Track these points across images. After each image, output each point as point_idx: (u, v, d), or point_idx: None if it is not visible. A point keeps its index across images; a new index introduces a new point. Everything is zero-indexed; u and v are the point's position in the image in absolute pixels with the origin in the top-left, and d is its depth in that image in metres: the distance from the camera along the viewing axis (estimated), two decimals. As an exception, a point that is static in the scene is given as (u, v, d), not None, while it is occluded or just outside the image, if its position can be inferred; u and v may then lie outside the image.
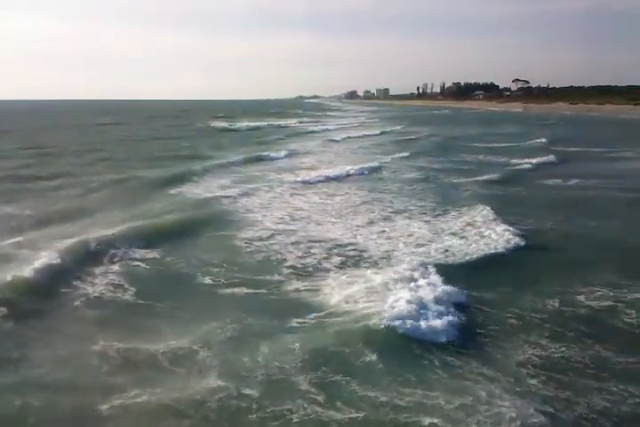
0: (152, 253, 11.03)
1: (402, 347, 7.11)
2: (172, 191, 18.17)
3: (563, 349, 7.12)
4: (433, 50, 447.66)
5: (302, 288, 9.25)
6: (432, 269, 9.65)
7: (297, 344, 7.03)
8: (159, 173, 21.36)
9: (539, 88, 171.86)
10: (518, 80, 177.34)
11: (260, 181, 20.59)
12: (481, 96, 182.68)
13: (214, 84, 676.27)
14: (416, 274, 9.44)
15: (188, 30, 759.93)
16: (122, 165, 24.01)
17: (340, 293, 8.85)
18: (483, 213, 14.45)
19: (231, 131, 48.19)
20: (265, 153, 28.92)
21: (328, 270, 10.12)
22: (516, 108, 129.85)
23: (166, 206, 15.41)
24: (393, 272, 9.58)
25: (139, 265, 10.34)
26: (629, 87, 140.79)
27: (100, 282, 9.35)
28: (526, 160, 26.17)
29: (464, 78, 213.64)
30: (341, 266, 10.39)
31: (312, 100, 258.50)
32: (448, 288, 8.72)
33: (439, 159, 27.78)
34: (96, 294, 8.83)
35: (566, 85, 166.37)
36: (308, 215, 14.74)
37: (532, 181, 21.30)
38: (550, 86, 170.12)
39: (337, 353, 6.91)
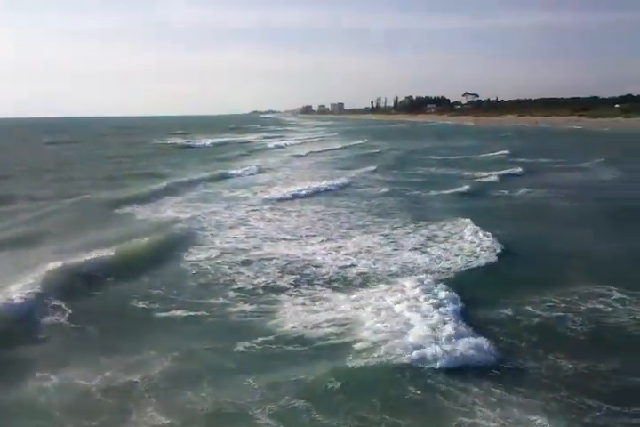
0: (96, 281, 10.08)
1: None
2: (128, 213, 16.90)
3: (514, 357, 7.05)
4: (386, 64, 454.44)
5: (250, 311, 8.64)
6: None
7: (248, 375, 6.48)
8: (117, 195, 20.01)
9: (488, 101, 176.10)
10: (468, 94, 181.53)
11: (222, 200, 19.51)
12: (433, 110, 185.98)
13: (164, 99, 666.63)
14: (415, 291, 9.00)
15: (135, 45, 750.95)
16: (78, 186, 22.53)
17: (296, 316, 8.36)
18: (466, 226, 13.99)
19: (191, 148, 46.90)
20: (228, 171, 27.84)
21: (282, 291, 9.56)
22: (468, 121, 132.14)
23: (121, 231, 14.07)
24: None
25: (81, 293, 9.49)
26: (574, 99, 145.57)
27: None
28: (493, 172, 25.91)
29: (416, 92, 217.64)
30: (303, 287, 9.76)
31: (267, 116, 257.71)
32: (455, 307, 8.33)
33: (406, 173, 27.39)
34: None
35: (514, 98, 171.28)
36: (273, 236, 13.63)
37: (501, 192, 21.18)
38: (499, 99, 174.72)
39: (296, 382, 6.31)
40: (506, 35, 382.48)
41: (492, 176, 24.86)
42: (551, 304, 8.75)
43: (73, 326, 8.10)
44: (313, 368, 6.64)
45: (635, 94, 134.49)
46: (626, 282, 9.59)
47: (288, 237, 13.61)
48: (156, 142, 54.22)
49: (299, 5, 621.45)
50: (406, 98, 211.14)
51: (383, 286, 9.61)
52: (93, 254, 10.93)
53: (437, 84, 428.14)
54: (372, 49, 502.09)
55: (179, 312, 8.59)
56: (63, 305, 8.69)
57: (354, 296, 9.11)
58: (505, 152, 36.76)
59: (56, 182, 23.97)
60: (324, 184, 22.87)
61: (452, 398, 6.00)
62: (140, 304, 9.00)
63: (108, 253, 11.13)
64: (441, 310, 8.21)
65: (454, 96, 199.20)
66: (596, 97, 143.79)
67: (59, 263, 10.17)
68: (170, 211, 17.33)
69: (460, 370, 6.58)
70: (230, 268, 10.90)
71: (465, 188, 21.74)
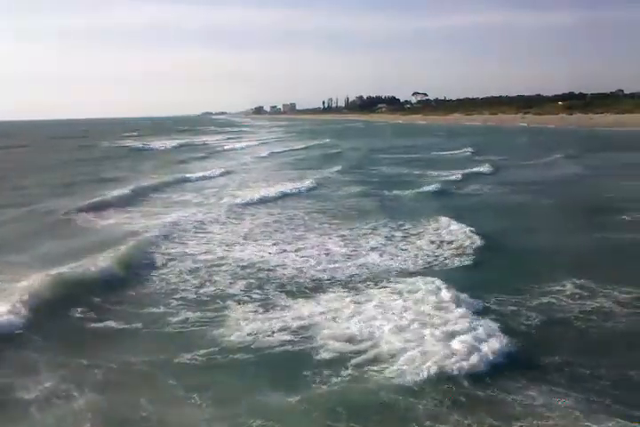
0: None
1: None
2: (86, 223, 15.49)
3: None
4: (337, 64, 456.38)
5: (194, 320, 8.06)
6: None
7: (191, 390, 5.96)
8: (74, 203, 18.30)
9: (437, 100, 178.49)
10: (417, 93, 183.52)
11: (186, 205, 18.27)
12: (384, 109, 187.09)
13: (111, 101, 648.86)
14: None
15: (80, 45, 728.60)
16: (30, 194, 20.91)
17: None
18: (448, 223, 13.69)
19: (147, 151, 45.12)
20: (190, 174, 26.55)
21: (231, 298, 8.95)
22: (419, 120, 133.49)
23: (75, 243, 12.89)
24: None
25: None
26: (519, 97, 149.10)
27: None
28: (461, 171, 25.59)
29: (367, 92, 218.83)
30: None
31: (219, 117, 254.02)
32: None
33: (373, 173, 26.78)
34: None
35: (462, 97, 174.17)
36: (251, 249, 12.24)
37: (472, 189, 21.01)
38: (447, 98, 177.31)
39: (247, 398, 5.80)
40: (453, 34, 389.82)
41: (459, 174, 24.54)
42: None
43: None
44: (265, 380, 6.15)
45: (576, 92, 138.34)
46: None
47: (269, 245, 12.59)
48: (110, 146, 52.03)
49: (247, 4, 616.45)
50: (357, 98, 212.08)
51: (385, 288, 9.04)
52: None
53: (387, 84, 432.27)
54: (322, 49, 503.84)
55: (115, 323, 7.98)
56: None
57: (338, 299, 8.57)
58: (468, 150, 36.64)
59: (5, 190, 22.25)
60: (291, 186, 21.95)
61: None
62: (76, 314, 8.33)
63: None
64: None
65: (404, 95, 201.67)
66: (539, 95, 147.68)
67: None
68: (131, 220, 15.93)
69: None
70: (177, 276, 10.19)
71: (435, 186, 21.24)
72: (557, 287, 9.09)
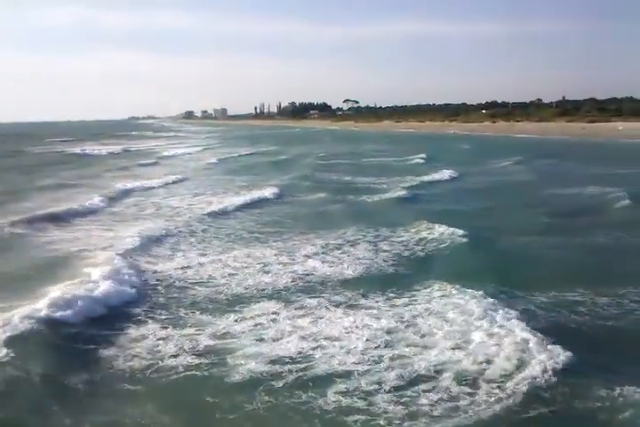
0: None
1: None
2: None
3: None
4: (268, 70, 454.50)
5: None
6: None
7: None
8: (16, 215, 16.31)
9: (367, 108, 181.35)
10: (349, 100, 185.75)
11: (146, 218, 16.67)
12: (316, 115, 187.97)
13: (30, 104, 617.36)
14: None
15: None
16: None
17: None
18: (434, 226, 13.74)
19: (88, 156, 42.66)
20: (143, 182, 24.91)
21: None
22: (352, 126, 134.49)
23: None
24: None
25: None
26: (446, 105, 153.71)
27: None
28: (425, 177, 25.64)
29: (299, 99, 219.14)
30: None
31: (147, 122, 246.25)
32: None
33: (330, 180, 26.14)
34: None
35: (391, 105, 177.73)
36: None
37: (439, 195, 21.14)
38: (378, 106, 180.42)
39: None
40: (384, 43, 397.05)
41: (418, 181, 24.57)
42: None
43: None
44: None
45: (499, 101, 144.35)
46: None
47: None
48: (43, 151, 48.87)
49: (174, 7, 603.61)
50: (289, 104, 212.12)
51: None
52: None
53: (319, 91, 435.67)
54: (254, 54, 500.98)
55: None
56: None
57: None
58: (421, 156, 36.81)
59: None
60: (258, 194, 21.05)
61: None
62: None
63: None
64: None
65: (336, 102, 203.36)
66: (465, 103, 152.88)
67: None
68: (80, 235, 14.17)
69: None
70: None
71: (402, 193, 21.02)
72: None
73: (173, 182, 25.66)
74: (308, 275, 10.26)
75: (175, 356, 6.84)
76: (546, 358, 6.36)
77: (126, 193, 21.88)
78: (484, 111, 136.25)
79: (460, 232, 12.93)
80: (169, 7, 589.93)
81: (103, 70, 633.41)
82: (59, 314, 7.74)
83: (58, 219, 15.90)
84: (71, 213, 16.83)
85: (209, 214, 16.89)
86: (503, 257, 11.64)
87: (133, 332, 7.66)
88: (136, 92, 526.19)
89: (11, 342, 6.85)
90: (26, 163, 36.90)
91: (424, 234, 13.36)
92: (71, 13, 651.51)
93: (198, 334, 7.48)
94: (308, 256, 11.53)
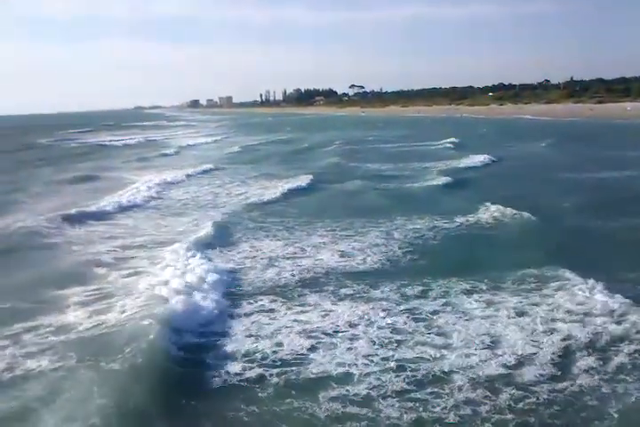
0: None
1: None
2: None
3: None
4: (274, 57, 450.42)
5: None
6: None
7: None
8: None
9: (373, 93, 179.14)
10: (354, 86, 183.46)
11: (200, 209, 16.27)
12: (322, 102, 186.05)
13: (38, 96, 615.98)
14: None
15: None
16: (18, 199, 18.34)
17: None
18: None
19: (111, 147, 41.93)
20: (170, 175, 23.58)
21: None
22: (358, 112, 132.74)
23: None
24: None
25: None
26: (452, 89, 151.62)
27: None
28: (461, 162, 24.77)
29: (304, 85, 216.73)
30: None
31: (154, 111, 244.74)
32: None
33: (365, 166, 25.27)
34: None
35: (397, 89, 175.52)
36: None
37: (485, 180, 20.17)
38: (383, 90, 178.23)
39: None
40: (387, 27, 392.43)
41: (459, 166, 23.70)
42: None
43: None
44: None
45: (506, 83, 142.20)
46: None
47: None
48: (58, 143, 48.20)
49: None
50: (295, 90, 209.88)
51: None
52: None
53: (324, 77, 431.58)
54: (257, 41, 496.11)
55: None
56: None
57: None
58: (449, 140, 35.80)
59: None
60: (296, 183, 20.26)
61: None
62: None
63: None
64: None
65: (341, 88, 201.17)
66: (471, 86, 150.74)
67: None
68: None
69: None
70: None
71: (445, 179, 20.14)
72: None
73: (204, 172, 24.92)
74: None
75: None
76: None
77: (166, 185, 21.03)
78: (490, 94, 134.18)
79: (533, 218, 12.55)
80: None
81: (107, 59, 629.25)
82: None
83: (108, 213, 15.43)
84: (122, 206, 16.32)
85: (254, 204, 16.44)
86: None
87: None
88: (141, 82, 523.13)
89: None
90: (57, 154, 36.42)
91: (489, 219, 12.97)
92: (75, 2, 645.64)
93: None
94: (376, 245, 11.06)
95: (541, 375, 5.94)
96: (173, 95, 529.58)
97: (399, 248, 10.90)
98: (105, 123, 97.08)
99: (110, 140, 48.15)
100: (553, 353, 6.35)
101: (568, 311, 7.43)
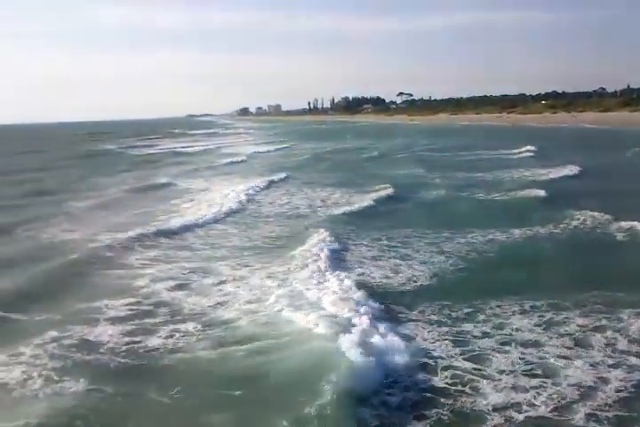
0: None
1: None
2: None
3: None
4: (322, 65, 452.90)
5: None
6: None
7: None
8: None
9: (422, 100, 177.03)
10: (402, 93, 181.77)
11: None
12: (369, 110, 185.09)
13: (96, 104, 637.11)
14: None
15: (63, 47, 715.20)
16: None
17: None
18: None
19: (183, 154, 42.32)
20: (249, 184, 22.74)
21: None
22: (407, 120, 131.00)
23: None
24: None
25: None
26: (503, 97, 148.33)
27: None
28: (546, 173, 23.47)
29: (352, 93, 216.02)
30: None
31: (205, 119, 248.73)
32: None
33: (447, 175, 24.28)
34: None
35: (446, 97, 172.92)
36: None
37: (579, 191, 18.88)
38: (432, 98, 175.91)
39: None
40: (438, 35, 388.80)
41: (546, 178, 22.39)
42: None
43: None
44: None
45: (559, 91, 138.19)
46: None
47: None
48: (125, 150, 48.99)
49: (229, 6, 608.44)
50: (342, 98, 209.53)
51: None
52: None
53: (372, 85, 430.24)
54: (308, 50, 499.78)
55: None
56: None
57: None
58: (528, 148, 34.43)
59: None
60: (382, 193, 19.45)
61: None
62: None
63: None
64: None
65: (389, 96, 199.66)
66: (523, 94, 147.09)
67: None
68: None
69: None
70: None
71: (538, 191, 18.87)
72: None
73: (281, 181, 24.44)
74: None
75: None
76: None
77: (251, 193, 20.51)
78: (543, 102, 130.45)
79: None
80: (223, 6, 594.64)
81: (159, 69, 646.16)
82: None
83: (207, 222, 14.96)
84: (217, 217, 15.74)
85: (349, 214, 15.91)
86: None
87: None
88: (192, 91, 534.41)
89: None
90: (124, 162, 36.77)
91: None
92: (128, 13, 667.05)
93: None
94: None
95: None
96: (223, 103, 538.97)
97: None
98: (168, 130, 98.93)
99: (180, 148, 48.64)
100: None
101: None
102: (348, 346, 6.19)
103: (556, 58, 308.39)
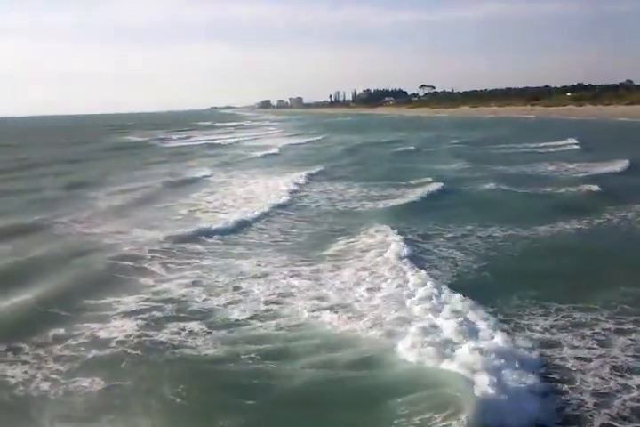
0: None
1: None
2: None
3: None
4: (343, 58, 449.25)
5: None
6: None
7: None
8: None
9: (444, 92, 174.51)
10: (425, 86, 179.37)
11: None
12: (391, 102, 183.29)
13: (120, 97, 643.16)
14: None
15: (85, 42, 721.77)
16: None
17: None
18: None
19: (217, 146, 41.85)
20: (286, 178, 22.12)
21: None
22: (429, 112, 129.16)
23: None
24: None
25: None
26: (526, 89, 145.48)
27: None
28: (595, 167, 22.46)
29: (374, 85, 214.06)
30: None
31: (227, 111, 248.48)
32: None
33: (488, 168, 23.50)
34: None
35: (469, 89, 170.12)
36: None
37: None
38: (455, 90, 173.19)
39: None
40: (461, 27, 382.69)
41: (597, 172, 21.44)
42: None
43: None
44: None
45: (585, 83, 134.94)
46: None
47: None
48: (155, 142, 48.82)
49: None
50: (364, 91, 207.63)
51: None
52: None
53: (394, 77, 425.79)
54: (329, 43, 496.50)
55: None
56: None
57: None
58: (572, 141, 33.31)
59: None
60: (429, 188, 18.71)
61: None
62: None
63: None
64: None
65: (411, 88, 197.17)
66: (547, 86, 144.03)
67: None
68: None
69: None
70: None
71: (592, 186, 17.97)
72: None
73: (320, 174, 23.74)
74: None
75: None
76: None
77: (295, 187, 19.80)
78: (568, 94, 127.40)
79: None
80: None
81: (182, 63, 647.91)
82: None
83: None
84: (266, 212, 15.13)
85: (400, 208, 15.45)
86: None
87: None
88: (214, 83, 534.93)
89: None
90: (158, 154, 36.46)
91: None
92: (154, 8, 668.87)
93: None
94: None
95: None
96: (244, 96, 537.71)
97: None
98: (194, 122, 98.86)
99: (211, 140, 48.31)
100: None
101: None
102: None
103: (581, 51, 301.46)
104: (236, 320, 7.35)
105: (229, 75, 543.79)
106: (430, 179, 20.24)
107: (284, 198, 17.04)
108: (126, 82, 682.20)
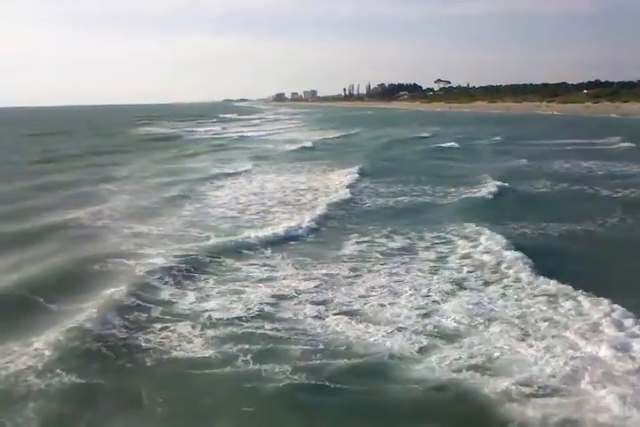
0: None
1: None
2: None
3: None
4: (358, 51, 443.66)
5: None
6: None
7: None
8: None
9: (459, 88, 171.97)
10: (440, 80, 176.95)
11: None
12: (405, 97, 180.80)
13: (133, 88, 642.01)
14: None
15: (99, 31, 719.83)
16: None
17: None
18: None
19: (247, 139, 40.78)
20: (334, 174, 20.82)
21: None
22: (445, 108, 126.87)
23: None
24: None
25: None
26: (543, 85, 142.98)
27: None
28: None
29: (388, 79, 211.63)
30: None
31: (242, 104, 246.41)
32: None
33: (551, 167, 22.14)
34: None
35: (485, 85, 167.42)
36: None
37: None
38: (470, 86, 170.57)
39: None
40: (477, 21, 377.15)
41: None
42: None
43: None
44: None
45: (602, 80, 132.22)
46: None
47: None
48: (182, 133, 47.71)
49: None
50: (378, 85, 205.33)
51: None
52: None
53: (409, 71, 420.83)
54: (343, 36, 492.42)
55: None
56: None
57: None
58: (620, 138, 31.81)
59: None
60: (487, 189, 17.27)
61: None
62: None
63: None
64: None
65: (426, 83, 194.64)
66: (564, 83, 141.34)
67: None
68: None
69: None
70: None
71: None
72: None
73: (369, 168, 22.30)
74: None
75: None
76: None
77: (349, 186, 18.32)
78: (585, 91, 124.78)
79: None
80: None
81: (196, 54, 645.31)
82: None
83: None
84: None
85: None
86: None
87: None
88: (228, 76, 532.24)
89: None
90: (191, 146, 35.24)
91: None
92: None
93: None
94: None
95: None
96: (258, 89, 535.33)
97: None
98: (213, 114, 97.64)
99: (239, 133, 47.16)
100: None
101: None
102: None
103: (599, 47, 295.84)
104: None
105: (244, 67, 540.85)
106: (489, 178, 18.88)
107: (344, 196, 15.90)
108: (140, 73, 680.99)
